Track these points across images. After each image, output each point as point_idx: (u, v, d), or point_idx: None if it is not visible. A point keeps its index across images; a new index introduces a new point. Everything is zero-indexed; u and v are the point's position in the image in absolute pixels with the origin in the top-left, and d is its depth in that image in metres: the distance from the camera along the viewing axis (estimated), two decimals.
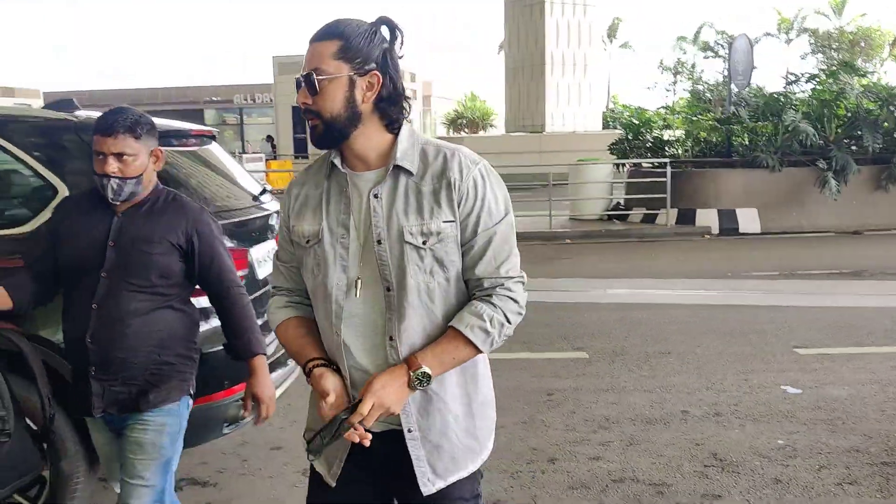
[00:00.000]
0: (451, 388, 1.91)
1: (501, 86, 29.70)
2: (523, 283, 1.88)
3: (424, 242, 1.83)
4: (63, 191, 3.29)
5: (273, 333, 2.26)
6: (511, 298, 1.85)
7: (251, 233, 3.79)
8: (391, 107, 1.86)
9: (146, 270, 2.55)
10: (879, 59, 45.42)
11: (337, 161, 1.90)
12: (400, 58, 1.89)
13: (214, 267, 2.68)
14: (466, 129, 51.76)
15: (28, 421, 2.89)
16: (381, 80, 1.83)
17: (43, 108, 3.96)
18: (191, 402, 2.76)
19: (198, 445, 3.51)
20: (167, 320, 2.64)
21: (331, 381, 1.86)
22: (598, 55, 28.98)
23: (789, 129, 13.03)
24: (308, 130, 1.89)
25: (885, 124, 13.26)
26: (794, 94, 14.39)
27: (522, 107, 28.00)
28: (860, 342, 6.34)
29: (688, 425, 4.64)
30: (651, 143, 16.14)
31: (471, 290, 1.88)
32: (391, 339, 1.84)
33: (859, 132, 13.31)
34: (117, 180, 2.50)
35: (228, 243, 3.47)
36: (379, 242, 1.84)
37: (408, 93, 1.90)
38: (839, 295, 8.23)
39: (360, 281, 1.87)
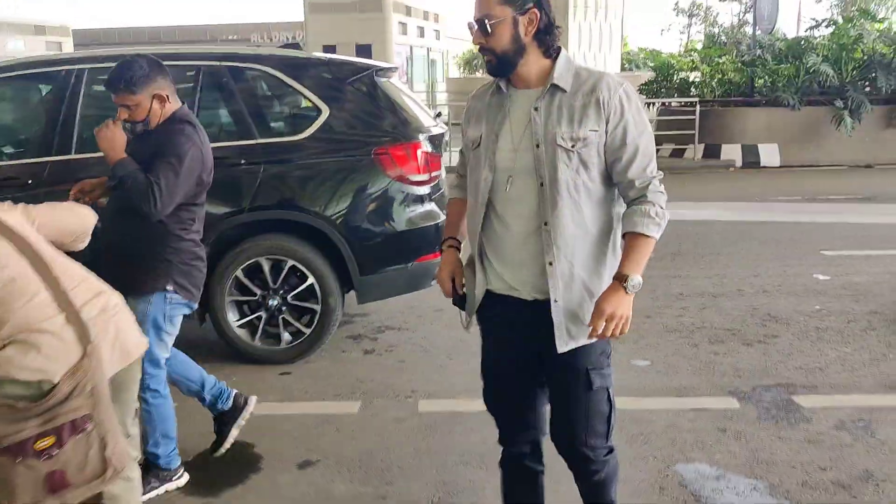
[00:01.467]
0: (591, 271, 2.26)
1: None
2: (660, 180, 2.24)
3: (573, 146, 2.18)
4: (326, 111, 4.66)
5: None
6: (660, 192, 2.22)
7: (439, 144, 5.15)
8: (547, 36, 2.22)
9: None
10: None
11: (502, 84, 2.29)
12: None
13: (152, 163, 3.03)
14: (480, 71, 52.45)
15: None
16: (538, 16, 2.19)
17: (279, 46, 5.37)
18: (169, 297, 3.17)
19: (417, 290, 4.95)
20: (134, 225, 3.08)
21: (450, 265, 2.46)
22: None
23: (810, 70, 14.23)
24: (484, 63, 2.27)
25: None
26: (815, 38, 15.52)
27: None
28: (875, 247, 7.73)
29: (744, 298, 6.07)
30: (678, 84, 17.30)
31: (624, 190, 2.24)
32: (545, 223, 2.20)
33: (873, 74, 14.49)
34: (129, 123, 3.11)
35: (429, 148, 4.85)
36: (537, 146, 2.20)
37: (556, 22, 2.23)
38: (855, 214, 9.64)
39: (511, 178, 2.24)
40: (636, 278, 2.17)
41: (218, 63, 4.76)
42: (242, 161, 4.59)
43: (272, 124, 4.86)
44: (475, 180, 2.32)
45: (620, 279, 2.17)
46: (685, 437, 3.73)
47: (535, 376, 2.40)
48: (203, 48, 5.17)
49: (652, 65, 23.57)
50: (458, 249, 2.48)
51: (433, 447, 3.68)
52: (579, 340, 2.26)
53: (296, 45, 5.43)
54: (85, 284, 2.38)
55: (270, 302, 4.70)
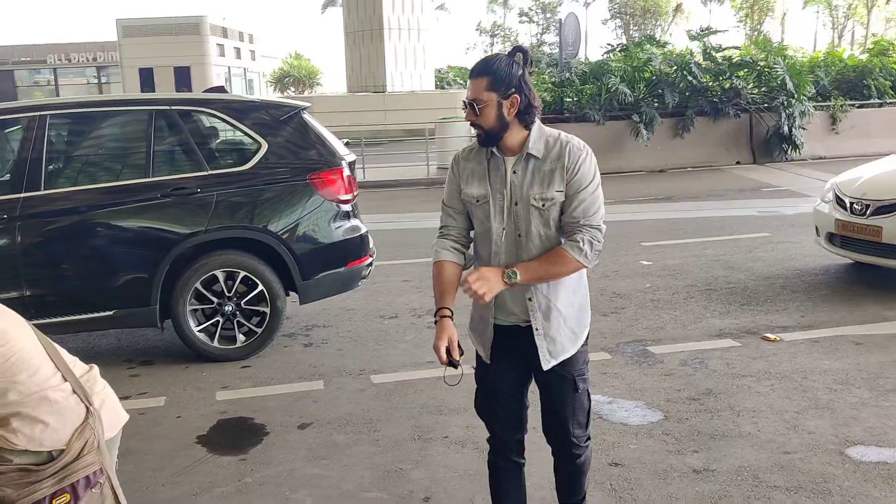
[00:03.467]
0: (564, 300, 2.72)
1: (326, 44, 31.56)
2: (600, 230, 2.64)
3: (543, 205, 2.62)
4: (264, 146, 5.57)
5: None
6: (592, 236, 2.61)
7: (354, 168, 6.18)
8: (526, 115, 2.63)
9: None
10: (665, 23, 51.59)
11: (495, 150, 2.69)
12: (531, 73, 2.66)
13: None
14: (293, 88, 53.04)
15: None
16: (519, 100, 2.59)
17: (204, 91, 6.23)
18: None
19: (348, 291, 5.96)
20: None
21: (446, 334, 2.65)
22: (429, 20, 31.63)
23: (610, 90, 16.37)
24: (475, 134, 2.67)
25: (681, 84, 16.92)
26: (613, 61, 17.75)
27: (364, 69, 30.19)
28: (680, 237, 9.56)
29: (592, 282, 7.34)
30: None
31: (567, 228, 2.64)
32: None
33: (661, 91, 16.86)
34: None
35: (349, 172, 5.86)
36: (515, 204, 2.65)
37: (535, 102, 2.64)
38: (660, 211, 11.59)
39: (505, 230, 2.68)
40: (516, 275, 2.59)
41: (168, 108, 5.54)
42: (198, 190, 5.41)
43: (219, 158, 5.70)
44: (484, 230, 2.74)
45: (507, 267, 2.63)
46: None
47: (525, 386, 2.91)
48: (155, 95, 5.89)
49: (462, 81, 25.19)
50: (451, 318, 2.71)
51: (397, 405, 4.73)
52: (559, 358, 2.74)
53: (221, 89, 6.28)
54: (69, 356, 2.36)
55: (226, 308, 5.54)
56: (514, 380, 2.87)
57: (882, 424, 4.23)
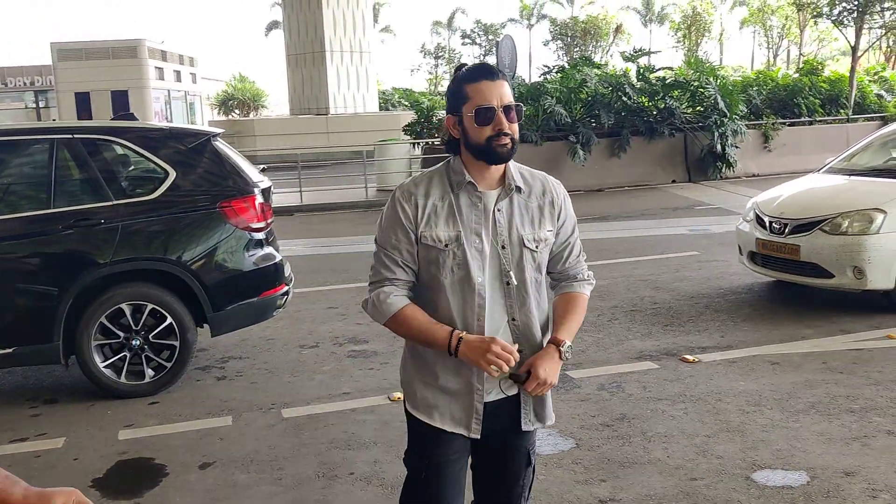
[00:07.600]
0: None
1: (271, 67, 31.54)
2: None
3: (536, 247, 2.28)
4: (172, 174, 5.42)
5: None
6: (585, 266, 2.44)
7: (269, 195, 6.05)
8: None
9: None
10: (606, 43, 52.47)
11: (472, 180, 2.23)
12: None
13: None
14: (237, 111, 52.46)
15: None
16: None
17: (112, 119, 6.06)
18: None
19: (263, 321, 5.81)
20: None
21: (494, 341, 2.15)
22: (371, 42, 31.67)
23: (547, 111, 16.49)
24: (501, 146, 2.19)
25: (617, 105, 17.12)
26: (549, 82, 17.90)
27: (306, 91, 30.07)
28: (611, 257, 9.60)
29: None
30: (437, 124, 19.09)
31: (563, 272, 2.40)
32: (513, 319, 2.26)
33: (597, 112, 17.04)
34: None
35: (262, 199, 5.74)
36: (503, 247, 2.25)
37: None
38: (594, 231, 11.64)
39: (488, 278, 2.25)
40: (568, 344, 2.29)
41: (70, 136, 5.36)
42: (102, 220, 5.23)
43: (125, 187, 5.52)
44: (455, 282, 2.25)
45: (557, 344, 2.26)
46: None
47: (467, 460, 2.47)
48: (58, 123, 5.70)
49: (406, 103, 25.17)
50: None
51: (305, 441, 4.59)
52: (545, 422, 2.41)
53: (131, 116, 6.12)
54: None
55: (133, 342, 5.34)
56: (461, 457, 2.40)
57: (790, 447, 4.23)
